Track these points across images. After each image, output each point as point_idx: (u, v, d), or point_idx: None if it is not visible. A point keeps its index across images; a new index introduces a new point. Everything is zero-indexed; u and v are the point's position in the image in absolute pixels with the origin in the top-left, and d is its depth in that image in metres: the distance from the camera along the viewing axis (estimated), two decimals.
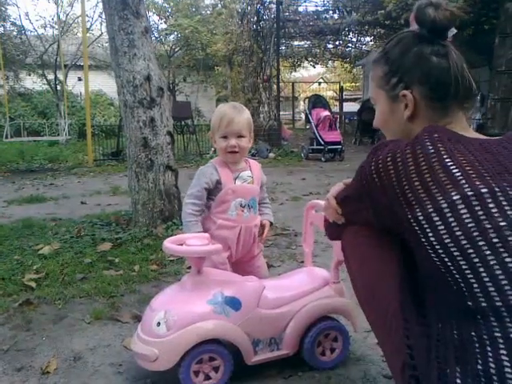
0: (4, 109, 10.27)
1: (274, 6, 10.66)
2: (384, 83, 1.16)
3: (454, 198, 0.92)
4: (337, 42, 16.21)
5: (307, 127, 12.64)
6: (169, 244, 1.59)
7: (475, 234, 0.89)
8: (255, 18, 11.05)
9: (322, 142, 8.72)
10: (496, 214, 0.90)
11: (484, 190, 0.91)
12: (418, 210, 0.95)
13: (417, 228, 0.96)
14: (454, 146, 0.98)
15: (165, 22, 17.73)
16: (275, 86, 11.13)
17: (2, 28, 13.64)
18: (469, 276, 0.89)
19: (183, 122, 10.07)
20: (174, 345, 1.51)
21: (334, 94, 21.62)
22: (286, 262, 2.93)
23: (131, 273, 2.70)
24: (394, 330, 1.04)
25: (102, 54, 15.78)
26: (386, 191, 1.01)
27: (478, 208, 0.90)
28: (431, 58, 1.09)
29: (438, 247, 0.93)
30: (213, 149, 9.25)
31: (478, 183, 0.92)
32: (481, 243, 0.89)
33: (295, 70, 23.22)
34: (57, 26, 13.15)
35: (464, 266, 0.90)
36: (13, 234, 3.58)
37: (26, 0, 33.41)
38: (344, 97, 19.44)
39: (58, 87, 13.83)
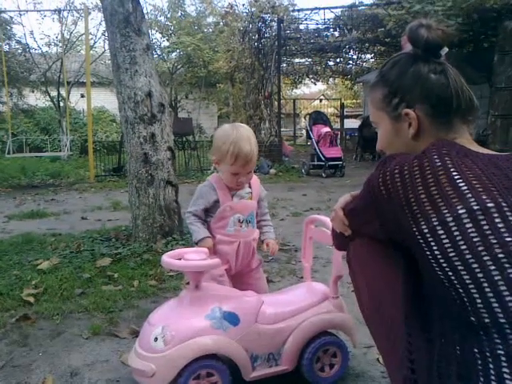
0: (7, 125, 10.34)
1: (275, 24, 10.76)
2: (385, 105, 1.17)
3: (460, 211, 0.91)
4: (338, 60, 16.31)
5: (308, 143, 12.68)
6: (167, 258, 1.59)
7: (480, 248, 0.88)
8: (256, 36, 11.16)
9: (323, 158, 8.73)
10: (502, 229, 0.89)
11: (490, 205, 0.90)
12: (422, 222, 0.95)
13: (421, 241, 0.96)
14: (461, 161, 0.98)
15: (167, 40, 17.92)
16: (276, 103, 11.19)
17: (8, 46, 13.78)
18: (472, 291, 0.88)
19: (184, 138, 10.11)
20: (171, 360, 1.49)
21: (335, 111, 21.72)
22: (286, 277, 2.92)
23: (130, 288, 2.69)
24: (397, 344, 1.03)
25: (104, 71, 15.94)
26: (393, 203, 1.01)
27: (483, 222, 0.89)
28: (429, 75, 1.11)
29: (442, 261, 0.92)
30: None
31: (484, 197, 0.91)
32: (485, 258, 0.88)
33: (296, 87, 23.38)
34: (60, 44, 13.31)
35: (468, 281, 0.89)
36: (12, 249, 3.57)
37: (31, 19, 34.00)
38: (345, 113, 19.51)
39: (61, 104, 13.94)
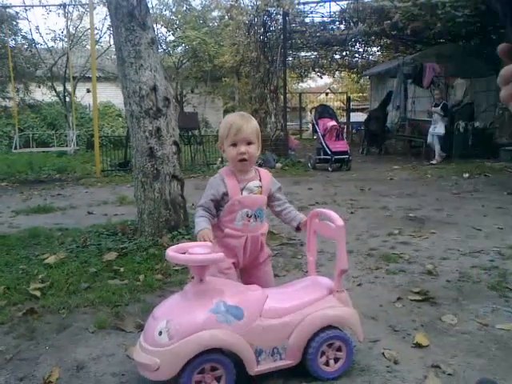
0: (14, 120, 10.38)
1: (280, 17, 10.71)
2: None
3: None
4: (344, 53, 16.20)
5: (314, 137, 12.64)
6: (171, 252, 1.59)
7: None
8: (262, 30, 11.10)
9: (329, 152, 8.70)
10: None
11: None
12: None
13: None
14: None
15: (173, 34, 17.88)
16: (282, 97, 11.15)
17: (13, 41, 13.81)
18: None
19: (190, 133, 10.11)
20: (175, 354, 1.49)
21: (342, 105, 21.63)
22: (292, 271, 2.92)
23: (136, 282, 2.70)
24: None
25: (110, 66, 15.95)
26: None
27: None
28: None
29: None
30: (220, 159, 9.27)
31: None
32: None
33: (302, 81, 23.29)
34: (66, 39, 13.32)
35: None
36: (19, 243, 3.60)
37: (37, 14, 34.05)
38: (351, 107, 19.42)
39: (67, 99, 13.97)
